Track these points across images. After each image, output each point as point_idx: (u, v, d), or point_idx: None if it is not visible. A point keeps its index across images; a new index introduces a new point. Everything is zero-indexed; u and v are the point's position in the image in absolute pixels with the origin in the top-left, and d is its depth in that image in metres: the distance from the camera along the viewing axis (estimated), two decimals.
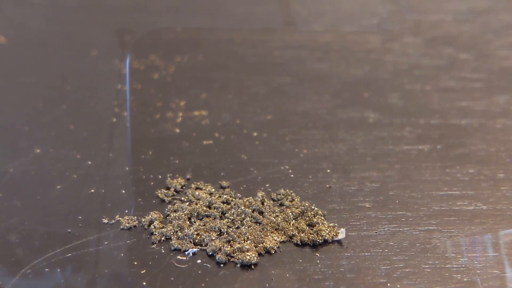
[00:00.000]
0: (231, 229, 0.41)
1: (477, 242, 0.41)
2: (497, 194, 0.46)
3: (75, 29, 0.72)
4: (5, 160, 0.48)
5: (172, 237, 0.40)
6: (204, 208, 0.43)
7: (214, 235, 0.40)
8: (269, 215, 0.42)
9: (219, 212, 0.42)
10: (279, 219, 0.42)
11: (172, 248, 0.40)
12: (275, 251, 0.40)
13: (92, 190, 0.45)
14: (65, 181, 0.46)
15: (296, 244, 0.40)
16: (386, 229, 0.42)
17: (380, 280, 0.38)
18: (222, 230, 0.41)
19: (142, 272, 0.38)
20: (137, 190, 0.45)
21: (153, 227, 0.41)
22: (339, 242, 0.41)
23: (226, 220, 0.42)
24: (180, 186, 0.46)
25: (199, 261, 0.39)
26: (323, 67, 0.65)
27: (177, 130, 0.53)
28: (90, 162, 0.48)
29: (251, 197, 0.44)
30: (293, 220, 0.42)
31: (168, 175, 0.47)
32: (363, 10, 0.80)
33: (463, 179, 0.47)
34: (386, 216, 0.43)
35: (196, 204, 0.43)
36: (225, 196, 0.44)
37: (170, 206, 0.43)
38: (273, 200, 0.45)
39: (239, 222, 0.42)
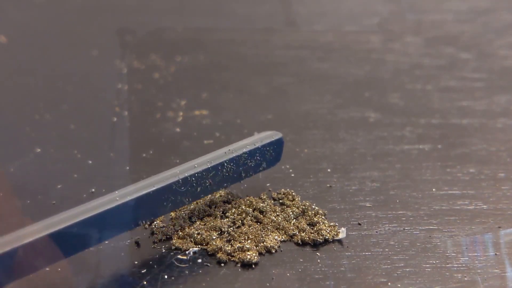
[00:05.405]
0: (231, 228, 0.41)
1: (477, 242, 0.41)
2: (497, 193, 0.46)
3: (75, 29, 0.72)
4: (6, 160, 0.48)
5: (173, 237, 0.40)
6: (205, 208, 0.43)
7: (215, 234, 0.40)
8: (270, 215, 0.42)
9: (220, 212, 0.42)
10: (279, 218, 0.42)
11: (173, 247, 0.40)
12: (276, 251, 0.40)
13: (93, 190, 0.45)
14: (65, 180, 0.46)
15: (297, 244, 0.40)
16: (386, 229, 0.42)
17: (381, 279, 0.38)
18: (223, 229, 0.41)
19: (143, 271, 0.38)
20: None
21: (154, 226, 0.41)
22: (339, 241, 0.41)
23: (227, 219, 0.42)
24: None
25: (199, 260, 0.39)
26: (324, 67, 0.65)
27: (178, 130, 0.53)
28: (90, 162, 0.48)
29: (252, 197, 0.44)
30: (294, 220, 0.42)
31: None
32: (364, 10, 0.80)
33: (463, 179, 0.47)
34: (387, 216, 0.43)
35: (197, 203, 0.43)
36: (226, 196, 0.44)
37: None
38: (274, 200, 0.45)
39: (240, 221, 0.42)
